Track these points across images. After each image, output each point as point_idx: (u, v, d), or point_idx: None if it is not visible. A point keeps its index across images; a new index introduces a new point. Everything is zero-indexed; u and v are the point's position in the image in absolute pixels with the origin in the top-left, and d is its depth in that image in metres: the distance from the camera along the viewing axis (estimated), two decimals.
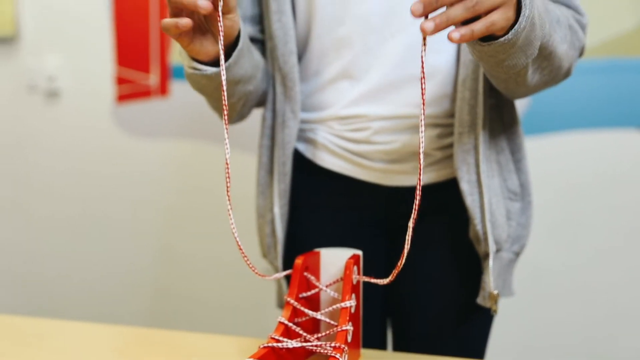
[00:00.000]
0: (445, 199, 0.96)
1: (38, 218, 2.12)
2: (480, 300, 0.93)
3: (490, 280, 0.90)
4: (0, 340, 0.91)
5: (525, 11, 0.70)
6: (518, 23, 0.70)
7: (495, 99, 0.94)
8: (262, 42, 1.01)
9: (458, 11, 0.64)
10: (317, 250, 0.81)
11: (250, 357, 0.71)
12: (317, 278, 0.80)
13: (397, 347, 1.05)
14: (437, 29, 0.64)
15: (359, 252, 0.81)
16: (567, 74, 0.90)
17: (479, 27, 0.66)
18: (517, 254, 0.99)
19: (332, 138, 0.97)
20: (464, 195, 0.91)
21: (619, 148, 1.69)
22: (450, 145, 0.94)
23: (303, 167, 0.99)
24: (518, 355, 1.76)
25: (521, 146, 0.98)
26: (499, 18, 0.67)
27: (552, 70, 0.85)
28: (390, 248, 1.02)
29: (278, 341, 0.74)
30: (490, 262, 0.90)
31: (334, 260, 0.79)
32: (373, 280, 0.76)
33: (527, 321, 1.76)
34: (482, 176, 0.90)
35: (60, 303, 2.12)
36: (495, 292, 0.91)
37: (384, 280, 0.74)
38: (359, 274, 0.79)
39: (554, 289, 1.76)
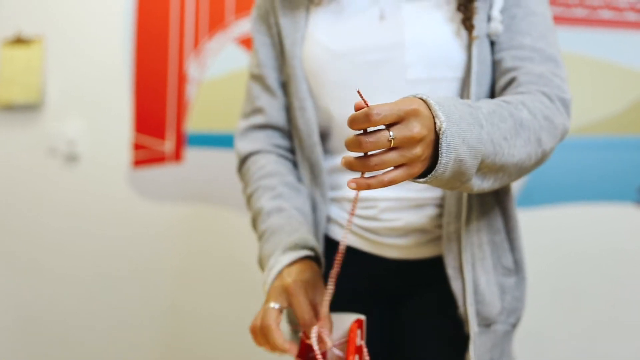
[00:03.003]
0: (443, 272, 1.01)
1: (51, 276, 2.15)
2: None
3: (472, 357, 0.95)
4: None
5: (441, 160, 0.70)
6: (433, 172, 0.71)
7: None
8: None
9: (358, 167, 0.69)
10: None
11: None
12: (324, 340, 0.85)
13: None
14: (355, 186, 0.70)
15: (363, 317, 0.86)
16: (542, 160, 0.90)
17: (374, 182, 0.69)
18: (514, 325, 1.04)
19: (343, 214, 1.04)
20: (450, 280, 0.97)
21: (616, 221, 1.73)
22: None
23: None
24: None
25: (516, 226, 1.03)
26: (397, 176, 0.69)
27: (511, 174, 0.85)
28: (394, 315, 1.07)
29: None
30: (471, 343, 0.95)
31: (339, 324, 0.85)
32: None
33: None
34: (464, 264, 0.96)
35: (68, 356, 2.13)
36: None
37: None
38: (362, 337, 0.84)
39: (557, 357, 1.77)
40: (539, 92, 0.92)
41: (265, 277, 0.91)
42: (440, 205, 1.00)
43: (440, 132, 0.70)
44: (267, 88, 1.08)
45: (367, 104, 0.67)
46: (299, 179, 1.06)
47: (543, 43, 0.97)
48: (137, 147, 2.08)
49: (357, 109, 0.68)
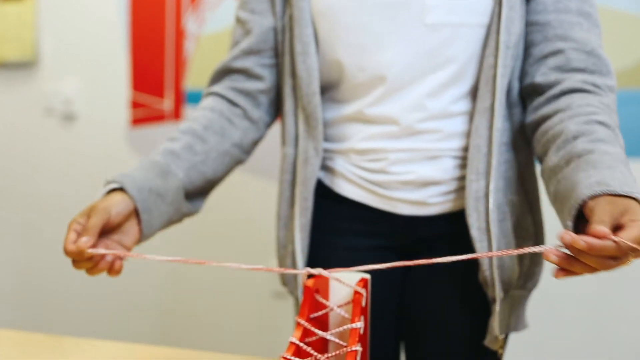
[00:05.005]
0: (461, 229, 0.96)
1: (49, 239, 2.14)
2: (487, 342, 0.95)
3: (497, 324, 0.92)
4: (5, 354, 0.93)
5: None
6: None
7: (511, 143, 0.96)
8: (257, 77, 1.02)
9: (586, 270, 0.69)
10: (326, 274, 0.83)
11: None
12: (327, 299, 0.82)
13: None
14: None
15: (367, 276, 0.83)
16: None
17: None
18: (530, 290, 1.01)
19: (350, 167, 1.00)
20: (474, 242, 0.92)
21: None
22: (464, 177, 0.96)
23: (323, 193, 1.02)
24: None
25: (536, 186, 1.00)
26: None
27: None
28: (405, 274, 1.04)
29: None
30: (497, 307, 0.92)
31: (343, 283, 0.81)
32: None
33: (536, 347, 1.76)
34: (492, 224, 0.92)
35: (66, 322, 2.13)
36: (502, 336, 0.93)
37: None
38: (367, 297, 0.81)
39: (563, 317, 1.76)
40: (595, 95, 0.89)
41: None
42: (458, 157, 0.95)
43: None
44: (247, 32, 1.02)
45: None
46: (220, 127, 1.01)
47: (587, 5, 0.92)
48: (136, 105, 2.06)
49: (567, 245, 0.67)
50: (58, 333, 1.93)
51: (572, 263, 0.68)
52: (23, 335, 1.01)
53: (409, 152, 0.95)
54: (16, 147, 2.17)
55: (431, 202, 0.96)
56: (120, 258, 0.87)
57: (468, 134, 0.94)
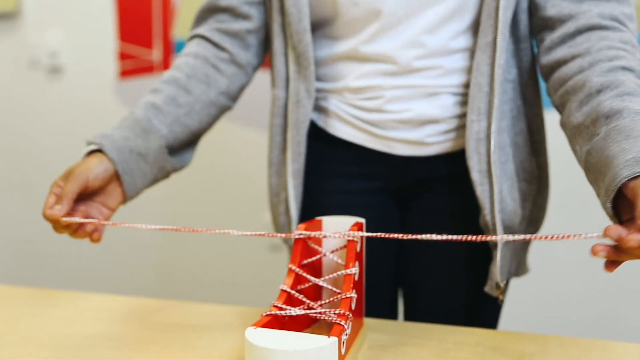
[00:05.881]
0: (461, 169, 0.92)
1: (39, 193, 2.11)
2: (487, 289, 0.92)
3: (497, 271, 0.89)
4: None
5: None
6: None
7: (518, 80, 0.91)
8: (244, 16, 0.97)
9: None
10: (319, 218, 0.79)
11: (253, 325, 0.70)
12: (320, 246, 0.79)
13: (407, 318, 1.04)
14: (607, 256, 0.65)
15: (362, 220, 0.80)
16: None
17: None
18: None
19: (344, 107, 0.95)
20: (474, 185, 0.88)
21: None
22: (465, 115, 0.91)
23: (315, 135, 0.98)
24: (525, 326, 1.75)
25: (541, 127, 0.95)
26: None
27: None
28: (403, 217, 1.00)
29: (281, 309, 0.73)
30: (498, 253, 0.89)
31: (337, 228, 0.78)
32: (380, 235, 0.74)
33: (534, 293, 1.75)
34: (493, 167, 0.87)
35: (59, 279, 2.12)
36: (502, 282, 0.90)
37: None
38: (362, 242, 0.77)
39: (560, 262, 1.75)
40: (615, 31, 0.83)
41: None
42: (458, 93, 0.91)
43: None
44: None
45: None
46: (204, 75, 0.97)
47: None
48: (123, 56, 2.00)
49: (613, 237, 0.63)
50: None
51: (621, 254, 0.64)
52: (16, 290, 0.99)
53: (406, 89, 0.90)
54: (2, 101, 2.12)
55: (429, 141, 0.92)
56: (97, 229, 0.87)
57: (469, 70, 0.90)
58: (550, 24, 0.86)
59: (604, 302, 1.75)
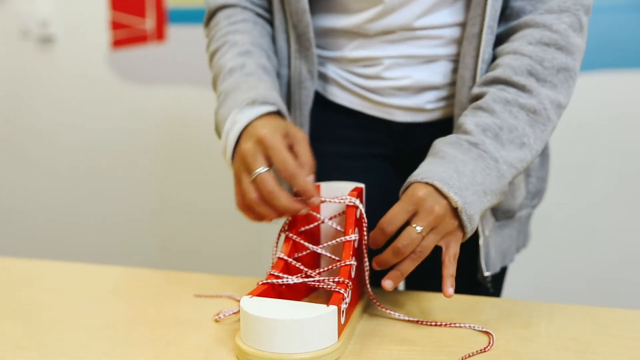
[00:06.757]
0: None
1: (35, 163, 2.08)
2: (479, 278, 0.91)
3: (482, 263, 0.88)
4: None
5: (467, 229, 0.73)
6: (465, 235, 0.74)
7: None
8: None
9: (408, 266, 0.71)
10: (317, 183, 0.76)
11: (249, 294, 0.67)
12: (318, 213, 0.76)
13: (408, 287, 1.02)
14: (397, 283, 0.72)
15: (362, 185, 0.77)
16: (560, 108, 0.81)
17: (447, 269, 0.74)
18: (535, 207, 0.97)
19: (343, 74, 0.92)
20: None
21: (627, 89, 1.64)
22: None
23: (316, 100, 0.95)
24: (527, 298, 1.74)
25: None
26: (454, 250, 0.74)
27: (541, 144, 0.79)
28: (400, 184, 0.97)
29: (278, 277, 0.70)
30: (481, 243, 0.87)
31: (336, 194, 0.75)
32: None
33: (535, 265, 1.73)
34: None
35: (53, 250, 2.10)
36: (488, 274, 0.89)
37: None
38: (362, 207, 0.74)
39: (562, 232, 1.73)
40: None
41: (224, 143, 0.79)
42: (456, 60, 0.87)
43: (458, 210, 0.71)
44: None
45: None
46: (273, 49, 0.93)
47: None
48: (116, 26, 1.95)
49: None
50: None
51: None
52: (2, 262, 0.97)
53: (404, 58, 0.88)
54: None
55: (429, 107, 0.89)
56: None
57: (460, 41, 0.86)
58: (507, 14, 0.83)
59: (600, 271, 1.73)
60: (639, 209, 1.69)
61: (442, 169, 0.73)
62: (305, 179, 0.72)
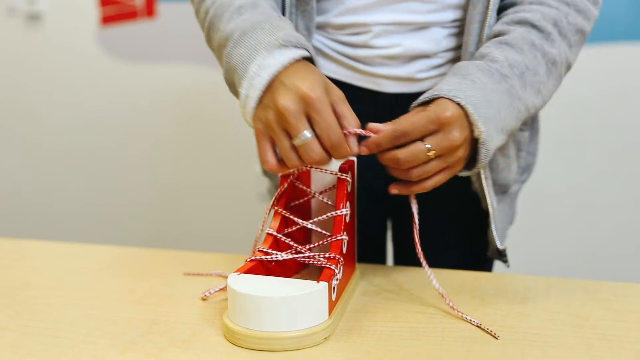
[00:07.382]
0: None
1: (24, 141, 2.06)
2: (490, 254, 0.89)
3: (495, 236, 0.86)
4: None
5: (480, 163, 0.69)
6: (474, 169, 0.70)
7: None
8: None
9: (416, 174, 0.67)
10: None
11: (236, 272, 0.65)
12: (309, 187, 0.74)
13: (396, 263, 1.00)
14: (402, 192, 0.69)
15: (354, 159, 0.74)
16: (568, 69, 0.80)
17: (416, 188, 0.68)
18: (524, 182, 0.95)
19: (328, 42, 0.88)
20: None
21: (624, 63, 1.61)
22: (459, 47, 0.85)
23: None
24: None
25: None
26: (441, 180, 0.69)
27: (549, 97, 0.78)
28: None
29: (267, 254, 0.68)
30: (492, 221, 0.85)
31: (325, 167, 0.72)
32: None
33: (531, 241, 1.72)
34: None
35: (42, 232, 2.08)
36: (502, 247, 0.86)
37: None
38: (353, 181, 0.72)
39: (557, 209, 1.72)
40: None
41: (246, 92, 0.66)
42: (449, 26, 0.84)
43: (480, 141, 0.67)
44: None
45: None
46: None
47: None
48: (105, 2, 1.92)
49: (375, 131, 0.66)
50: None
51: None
52: (7, 242, 0.94)
53: (394, 25, 0.83)
54: None
55: (420, 77, 0.86)
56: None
57: (465, 7, 0.82)
58: None
59: (595, 247, 1.72)
60: (634, 183, 1.68)
61: (473, 92, 0.67)
62: (352, 152, 0.65)
